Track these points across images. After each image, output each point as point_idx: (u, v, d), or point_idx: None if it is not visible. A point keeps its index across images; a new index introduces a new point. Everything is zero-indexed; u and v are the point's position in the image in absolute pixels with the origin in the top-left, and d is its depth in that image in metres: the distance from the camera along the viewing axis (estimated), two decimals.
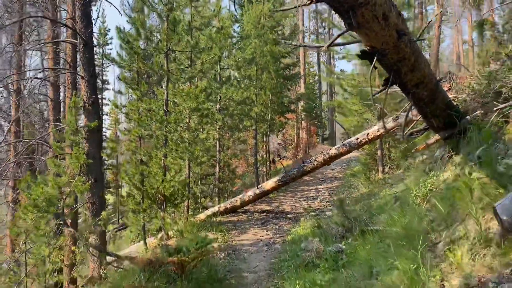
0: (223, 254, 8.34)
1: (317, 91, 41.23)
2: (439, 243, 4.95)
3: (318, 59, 50.05)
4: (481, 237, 3.81)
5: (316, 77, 47.39)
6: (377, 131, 10.95)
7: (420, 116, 7.05)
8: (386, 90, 5.79)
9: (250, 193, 12.19)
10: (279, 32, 20.97)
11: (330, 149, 11.56)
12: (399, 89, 6.56)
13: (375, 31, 3.62)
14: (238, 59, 13.70)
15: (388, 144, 14.43)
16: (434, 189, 6.69)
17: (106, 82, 26.75)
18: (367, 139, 11.05)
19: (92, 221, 9.85)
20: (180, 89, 9.32)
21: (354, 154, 26.36)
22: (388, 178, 13.32)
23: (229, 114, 13.51)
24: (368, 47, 4.83)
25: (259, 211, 12.79)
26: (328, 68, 13.97)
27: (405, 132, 7.78)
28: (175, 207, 10.20)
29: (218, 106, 13.63)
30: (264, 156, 18.52)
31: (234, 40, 19.79)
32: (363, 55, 5.26)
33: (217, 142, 13.83)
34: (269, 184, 11.97)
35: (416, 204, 6.85)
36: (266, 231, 10.18)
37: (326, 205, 13.18)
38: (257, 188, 12.11)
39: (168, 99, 9.81)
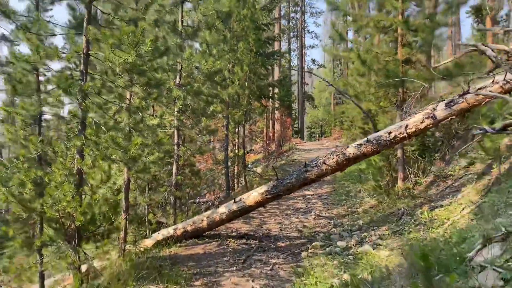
0: None
1: (288, 80, 37.44)
2: None
3: (289, 44, 46.52)
4: None
5: (287, 66, 43.88)
6: (421, 122, 7.25)
7: None
8: None
9: (222, 209, 8.14)
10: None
11: (347, 147, 7.70)
12: None
13: None
14: (209, 12, 9.54)
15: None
16: None
17: None
18: (405, 134, 7.32)
19: None
20: (106, 32, 5.06)
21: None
22: (411, 189, 9.72)
23: (194, 91, 9.34)
24: None
25: (234, 234, 8.78)
26: (337, 33, 10.00)
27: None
28: (99, 240, 6.00)
29: (178, 79, 9.44)
30: (237, 151, 14.50)
31: None
32: None
33: (175, 131, 9.67)
34: (252, 196, 7.97)
35: None
36: (252, 279, 6.20)
37: (327, 225, 9.41)
38: (234, 202, 8.08)
39: (90, 52, 5.53)
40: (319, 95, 60.10)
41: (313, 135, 61.14)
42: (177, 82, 9.49)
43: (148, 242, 8.17)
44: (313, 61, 59.35)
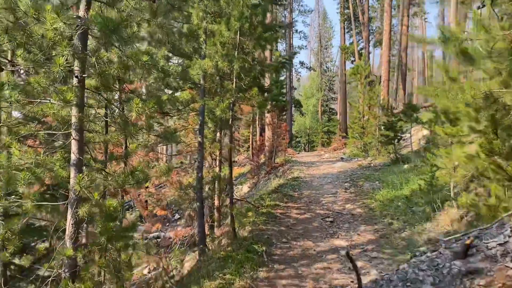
0: None
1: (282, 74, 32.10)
2: None
3: (276, 42, 41.48)
4: None
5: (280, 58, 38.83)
6: None
7: None
8: None
9: None
10: None
11: None
12: None
13: None
14: None
15: None
16: None
17: None
18: None
19: None
20: None
21: (348, 165, 17.53)
22: None
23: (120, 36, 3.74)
24: None
25: None
26: None
27: None
28: None
29: (83, 10, 3.83)
30: (217, 169, 8.92)
31: None
32: None
33: (74, 134, 4.02)
34: None
35: None
36: None
37: None
38: None
39: None
40: (306, 102, 55.55)
41: (299, 144, 56.11)
42: (82, 14, 3.89)
43: None
44: (302, 63, 54.70)
